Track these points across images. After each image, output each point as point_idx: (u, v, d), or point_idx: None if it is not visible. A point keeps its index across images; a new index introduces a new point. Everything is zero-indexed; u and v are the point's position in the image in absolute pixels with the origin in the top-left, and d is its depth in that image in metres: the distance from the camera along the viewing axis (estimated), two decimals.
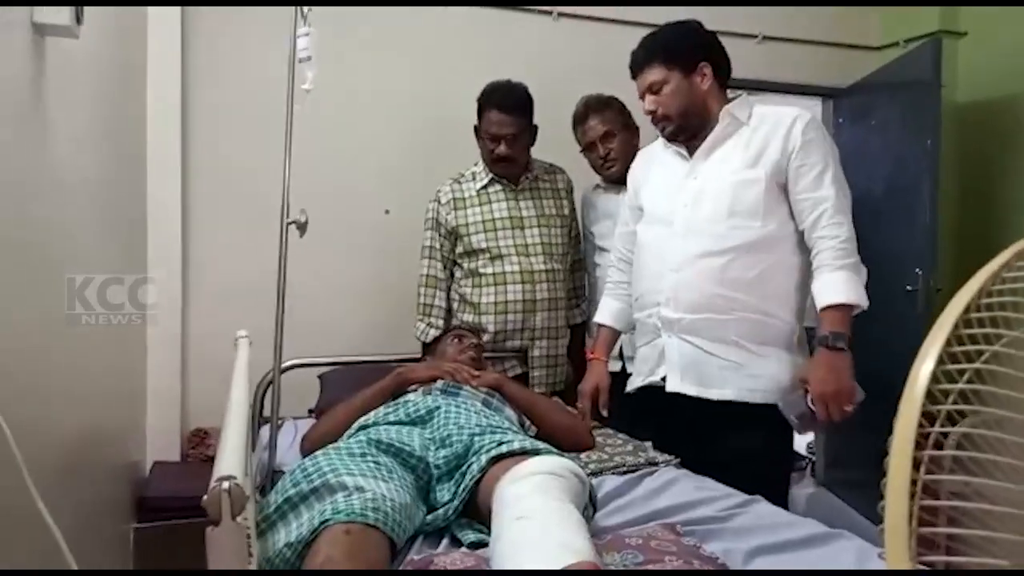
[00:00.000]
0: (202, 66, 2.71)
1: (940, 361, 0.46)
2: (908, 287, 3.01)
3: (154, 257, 2.60)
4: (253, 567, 0.78)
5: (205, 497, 0.65)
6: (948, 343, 0.46)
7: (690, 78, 1.88)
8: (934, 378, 0.45)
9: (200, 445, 2.68)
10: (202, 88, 2.71)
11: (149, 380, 2.61)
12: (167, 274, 2.62)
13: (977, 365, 0.49)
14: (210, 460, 2.58)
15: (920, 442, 0.44)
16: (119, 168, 2.23)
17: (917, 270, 2.99)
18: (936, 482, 0.47)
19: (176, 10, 2.62)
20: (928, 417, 0.45)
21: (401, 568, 1.21)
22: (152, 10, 2.57)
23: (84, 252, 1.72)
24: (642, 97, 1.93)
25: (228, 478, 0.65)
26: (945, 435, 0.44)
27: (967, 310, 0.49)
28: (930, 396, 0.46)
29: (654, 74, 1.88)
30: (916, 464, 0.43)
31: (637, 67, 1.93)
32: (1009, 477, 0.43)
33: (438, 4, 2.95)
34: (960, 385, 0.45)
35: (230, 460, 0.74)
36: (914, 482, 0.42)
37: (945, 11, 3.37)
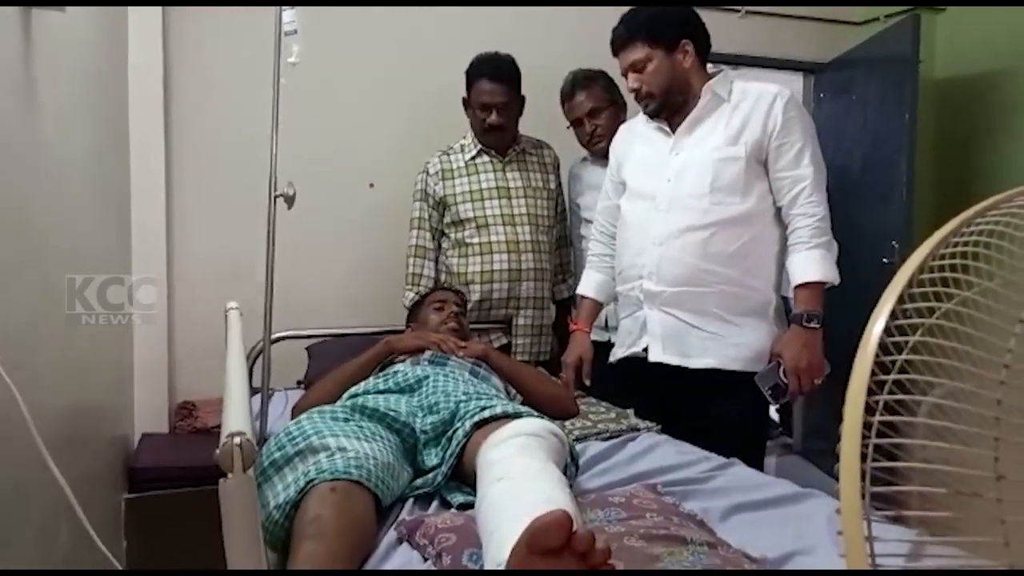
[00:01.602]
0: (185, 39, 2.69)
1: (894, 316, 0.50)
2: (884, 259, 3.08)
3: (138, 231, 2.60)
4: (261, 519, 0.82)
5: (217, 451, 0.68)
6: (901, 300, 0.51)
7: (672, 56, 1.90)
8: (888, 332, 0.50)
9: (188, 417, 2.70)
10: (185, 61, 2.70)
11: (136, 354, 2.62)
12: (151, 248, 2.63)
13: (931, 320, 0.53)
14: (198, 432, 2.63)
15: (874, 390, 0.48)
16: (103, 143, 2.23)
17: (893, 243, 3.06)
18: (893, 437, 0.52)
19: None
20: (883, 368, 0.50)
21: (395, 527, 1.26)
22: None
23: (71, 227, 1.73)
24: (624, 75, 1.96)
25: (239, 433, 0.68)
26: (898, 383, 0.48)
27: (921, 270, 0.53)
28: (885, 349, 0.51)
29: (637, 52, 1.90)
30: (871, 410, 0.48)
31: (619, 45, 1.94)
32: (958, 422, 0.48)
33: None
34: (914, 338, 0.50)
35: (238, 418, 0.78)
36: (868, 426, 0.47)
37: None
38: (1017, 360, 0.47)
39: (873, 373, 0.49)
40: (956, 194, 3.34)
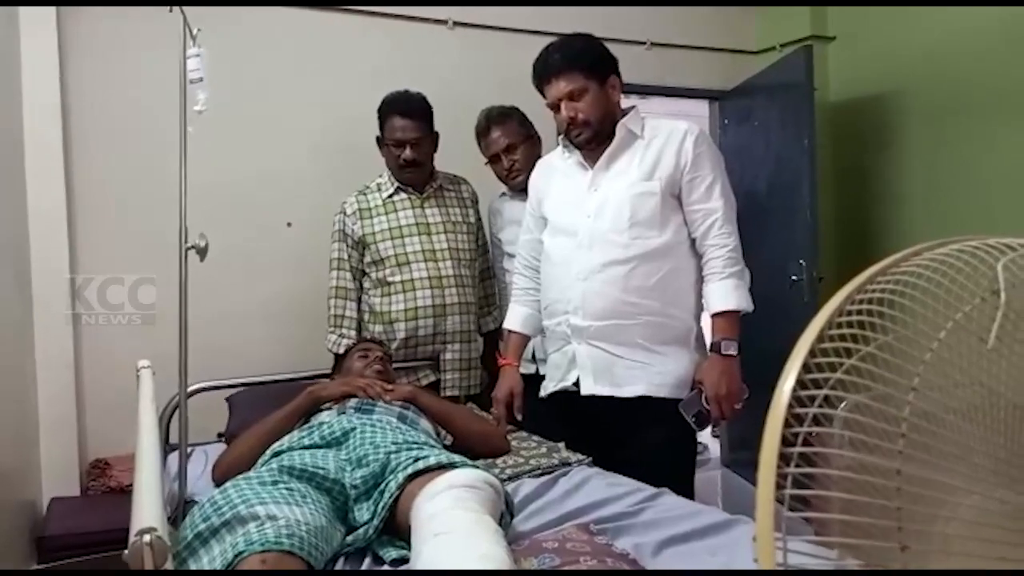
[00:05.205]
0: (84, 88, 2.60)
1: (806, 369, 0.53)
2: (793, 277, 3.22)
3: (40, 283, 2.47)
4: None
5: (126, 551, 0.65)
6: (813, 353, 0.54)
7: (604, 88, 1.95)
8: (802, 385, 0.53)
9: (101, 476, 2.56)
10: (85, 110, 2.60)
11: (41, 411, 2.48)
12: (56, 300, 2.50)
13: (839, 375, 0.57)
14: (113, 492, 2.49)
15: (790, 440, 0.51)
16: None
17: (801, 261, 3.20)
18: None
19: (52, 37, 2.50)
20: (798, 418, 0.53)
21: None
22: (25, 37, 2.45)
23: None
24: (555, 104, 1.96)
25: (149, 530, 0.65)
26: (814, 430, 0.51)
27: (820, 339, 0.56)
28: (799, 401, 0.54)
29: (575, 82, 1.91)
30: (786, 460, 0.51)
31: (553, 74, 1.93)
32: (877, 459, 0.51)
33: (330, 4, 2.93)
34: (823, 392, 0.53)
35: (148, 510, 0.74)
36: (781, 482, 0.50)
37: (815, 17, 3.62)
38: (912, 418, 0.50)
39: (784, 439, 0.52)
40: (855, 211, 3.54)
